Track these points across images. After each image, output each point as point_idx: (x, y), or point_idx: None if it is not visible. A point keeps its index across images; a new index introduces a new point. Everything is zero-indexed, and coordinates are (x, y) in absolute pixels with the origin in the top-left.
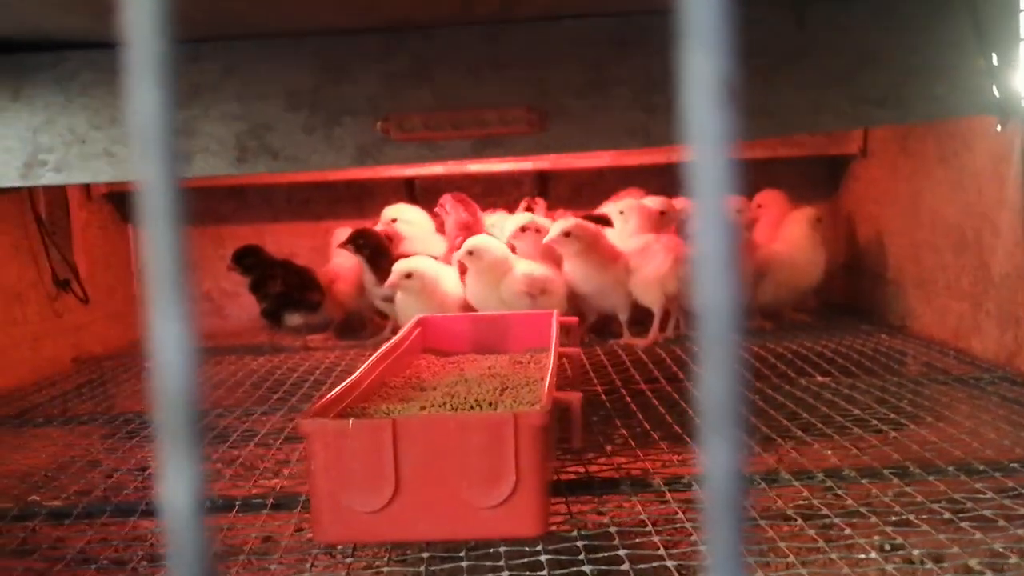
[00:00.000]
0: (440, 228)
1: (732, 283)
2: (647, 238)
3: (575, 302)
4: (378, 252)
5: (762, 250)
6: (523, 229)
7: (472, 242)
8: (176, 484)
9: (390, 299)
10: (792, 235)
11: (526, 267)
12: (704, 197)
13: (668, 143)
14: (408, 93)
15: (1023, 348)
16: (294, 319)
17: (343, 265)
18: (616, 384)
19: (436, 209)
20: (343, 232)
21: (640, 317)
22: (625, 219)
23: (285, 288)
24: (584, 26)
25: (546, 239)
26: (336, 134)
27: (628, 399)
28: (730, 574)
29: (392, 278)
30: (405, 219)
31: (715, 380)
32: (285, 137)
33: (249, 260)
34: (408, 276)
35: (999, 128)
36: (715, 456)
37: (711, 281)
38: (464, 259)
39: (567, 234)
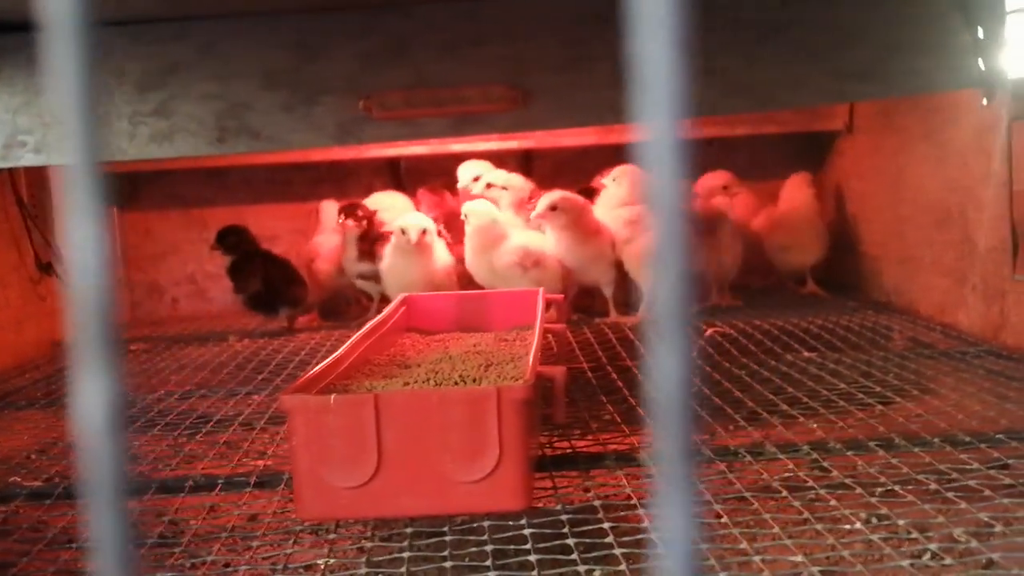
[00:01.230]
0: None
1: (684, 260)
2: (637, 209)
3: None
4: (372, 224)
5: (764, 217)
6: (475, 179)
7: (468, 206)
8: (91, 400)
9: (368, 276)
10: (794, 198)
11: (523, 239)
12: (657, 176)
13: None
14: (387, 71)
15: (1008, 322)
16: (283, 312)
17: (323, 243)
18: (602, 361)
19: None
20: (329, 206)
21: (627, 299)
22: (618, 184)
23: (266, 286)
24: (563, 2)
25: (533, 214)
26: (316, 113)
27: (614, 376)
28: (680, 496)
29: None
30: (385, 207)
31: (664, 289)
32: (265, 116)
33: (231, 239)
34: (424, 232)
35: (984, 102)
36: (663, 363)
37: (663, 254)
38: (464, 220)
39: (553, 208)
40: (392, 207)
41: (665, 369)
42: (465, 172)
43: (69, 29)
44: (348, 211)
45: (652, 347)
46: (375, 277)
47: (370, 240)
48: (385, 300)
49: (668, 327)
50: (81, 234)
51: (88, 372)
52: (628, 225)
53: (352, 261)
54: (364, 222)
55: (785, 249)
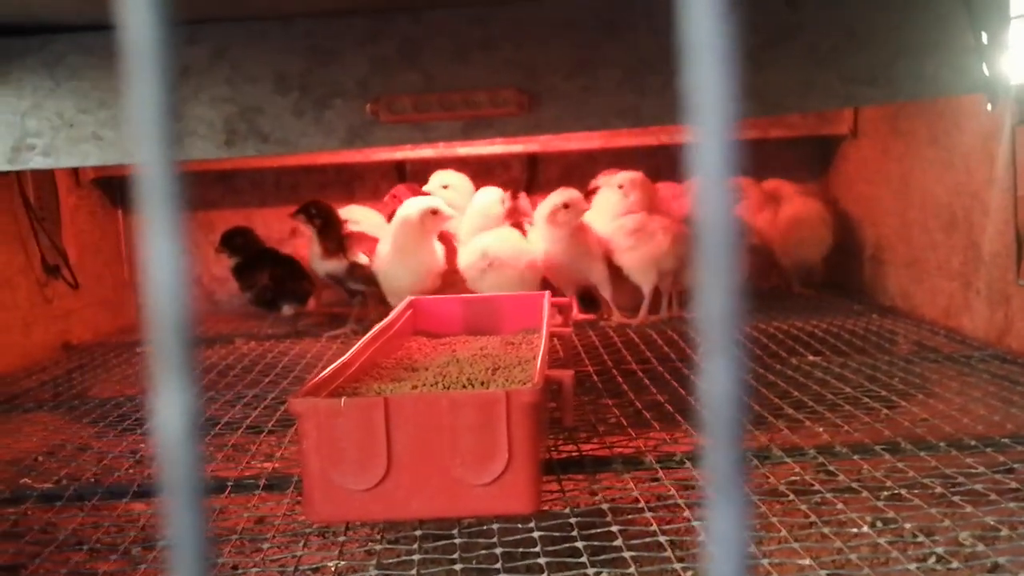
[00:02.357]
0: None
1: (734, 264)
2: (639, 217)
3: (554, 279)
4: (329, 223)
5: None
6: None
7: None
8: (169, 407)
9: (335, 276)
10: (795, 201)
11: (488, 241)
12: (707, 177)
13: (658, 124)
14: (397, 75)
15: (1013, 326)
16: (287, 310)
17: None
18: (608, 365)
19: (386, 199)
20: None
21: (630, 303)
22: (625, 193)
23: (272, 281)
24: (573, 7)
25: (543, 212)
26: (326, 117)
27: (620, 380)
28: (732, 499)
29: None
30: (356, 219)
31: (715, 299)
32: (274, 120)
33: (237, 240)
34: (435, 213)
35: (988, 107)
36: (716, 376)
37: (713, 260)
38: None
39: (566, 206)
40: (365, 220)
41: (715, 377)
42: (435, 180)
43: (150, 37)
44: (302, 209)
45: (703, 356)
46: (345, 275)
47: (336, 238)
48: (365, 303)
49: (718, 336)
50: (158, 246)
51: (166, 382)
52: (632, 234)
53: (318, 259)
54: (317, 221)
55: (800, 243)
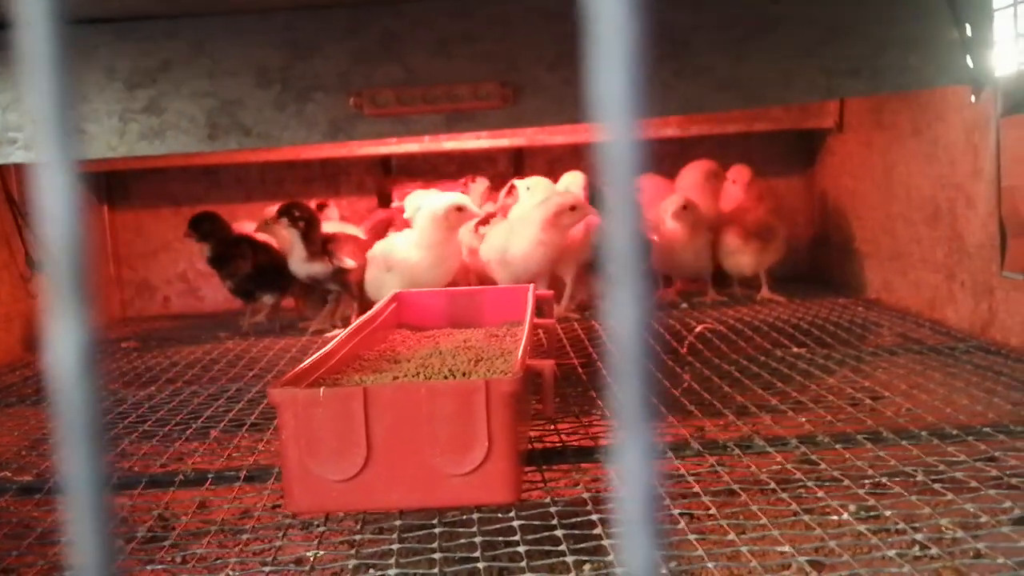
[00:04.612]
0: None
1: (636, 214)
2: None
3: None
4: (311, 225)
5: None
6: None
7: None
8: (64, 341)
9: (318, 278)
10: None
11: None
12: (614, 175)
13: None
14: (379, 68)
15: (997, 318)
16: (267, 299)
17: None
18: (593, 357)
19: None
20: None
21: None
22: (532, 194)
23: (256, 269)
24: None
25: (544, 214)
26: (308, 110)
27: (604, 371)
28: (638, 437)
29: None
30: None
31: (618, 241)
32: (256, 113)
33: (205, 226)
34: (460, 209)
35: (973, 99)
36: (621, 314)
37: (618, 211)
38: None
39: (573, 208)
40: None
41: (622, 317)
42: (410, 202)
43: (43, 25)
44: (284, 211)
45: (610, 297)
46: (327, 278)
47: (319, 240)
48: (339, 300)
49: (622, 272)
50: (52, 182)
51: (60, 315)
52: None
53: (301, 262)
54: (301, 223)
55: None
